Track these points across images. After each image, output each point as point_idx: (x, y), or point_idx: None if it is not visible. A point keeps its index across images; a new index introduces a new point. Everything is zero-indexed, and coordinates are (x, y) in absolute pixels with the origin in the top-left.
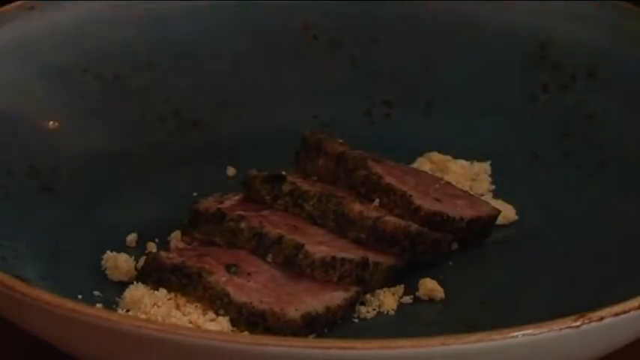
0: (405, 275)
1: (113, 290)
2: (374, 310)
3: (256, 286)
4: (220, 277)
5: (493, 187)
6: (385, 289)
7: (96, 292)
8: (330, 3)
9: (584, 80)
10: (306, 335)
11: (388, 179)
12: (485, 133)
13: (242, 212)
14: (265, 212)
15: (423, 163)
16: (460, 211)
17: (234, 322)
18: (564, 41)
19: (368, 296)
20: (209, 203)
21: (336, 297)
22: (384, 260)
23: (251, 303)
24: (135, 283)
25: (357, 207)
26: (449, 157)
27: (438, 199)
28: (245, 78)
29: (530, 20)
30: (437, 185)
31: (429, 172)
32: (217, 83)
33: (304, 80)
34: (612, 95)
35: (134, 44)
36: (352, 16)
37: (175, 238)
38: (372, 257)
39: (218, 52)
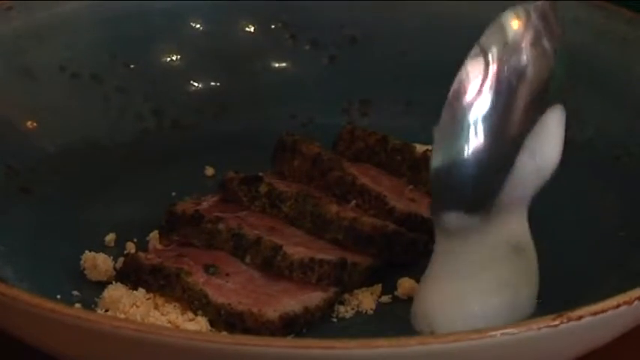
0: (383, 275)
1: (92, 290)
2: (353, 309)
3: (235, 287)
4: (199, 278)
5: None
6: (364, 288)
7: (75, 292)
8: (308, 2)
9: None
10: (285, 336)
11: (363, 180)
12: None
13: (220, 214)
14: (243, 213)
15: None
16: None
17: (212, 323)
18: None
19: (346, 296)
20: (186, 205)
21: (314, 297)
22: (362, 261)
23: (229, 304)
24: (114, 283)
25: (333, 208)
26: None
27: (412, 200)
28: (223, 78)
29: None
30: (412, 186)
31: None
32: (195, 83)
33: (282, 80)
34: (594, 95)
35: (111, 43)
36: (330, 16)
37: (154, 238)
38: (350, 258)
39: (196, 52)
